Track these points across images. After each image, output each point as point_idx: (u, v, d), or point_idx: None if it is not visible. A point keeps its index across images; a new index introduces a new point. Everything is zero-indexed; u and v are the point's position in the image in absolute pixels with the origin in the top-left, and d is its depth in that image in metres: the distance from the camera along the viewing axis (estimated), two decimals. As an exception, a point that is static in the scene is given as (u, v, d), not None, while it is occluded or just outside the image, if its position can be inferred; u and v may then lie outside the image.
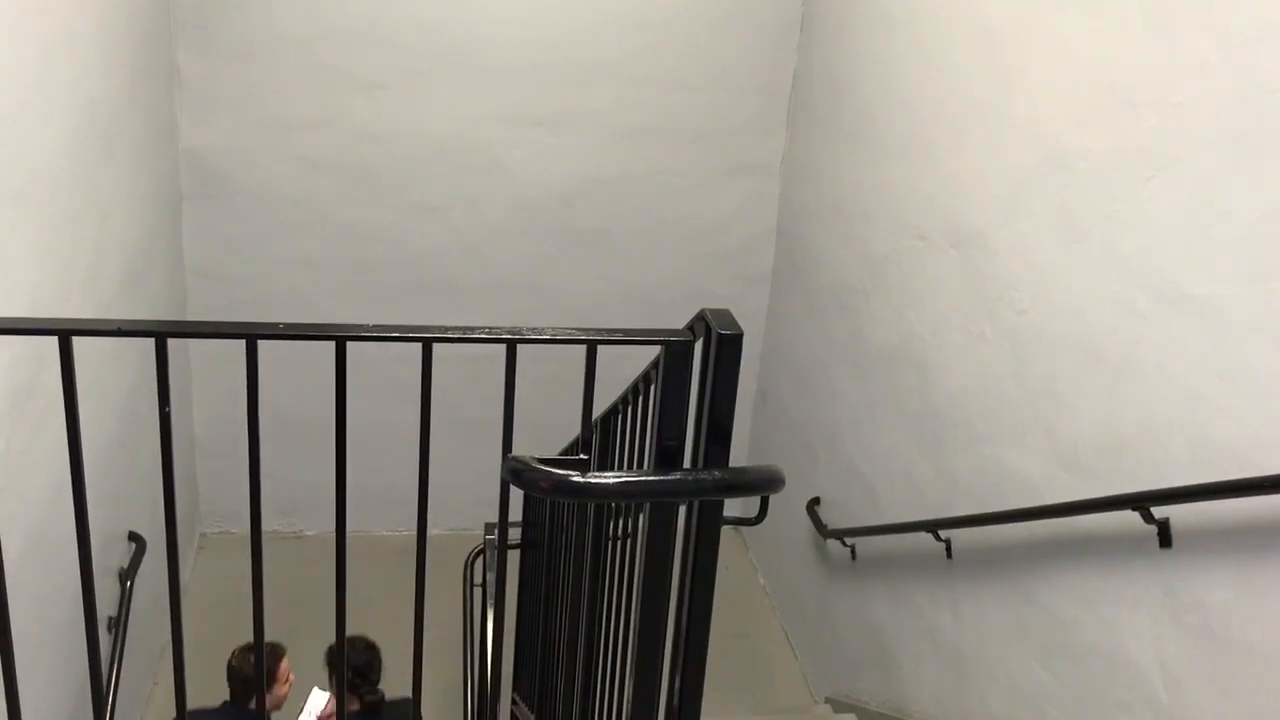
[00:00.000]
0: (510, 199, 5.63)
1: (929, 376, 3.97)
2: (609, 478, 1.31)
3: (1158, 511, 2.62)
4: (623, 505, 1.95)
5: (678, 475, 1.41)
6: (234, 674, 3.65)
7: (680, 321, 1.60)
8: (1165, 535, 2.61)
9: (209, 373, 5.46)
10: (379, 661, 3.70)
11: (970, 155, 3.69)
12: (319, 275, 5.59)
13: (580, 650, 1.99)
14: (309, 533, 5.95)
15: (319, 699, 3.64)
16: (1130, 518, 2.68)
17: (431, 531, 5.43)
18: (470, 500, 5.25)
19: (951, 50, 3.85)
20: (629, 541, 1.84)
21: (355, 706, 3.58)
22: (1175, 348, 2.61)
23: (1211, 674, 2.44)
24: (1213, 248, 2.49)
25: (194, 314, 5.48)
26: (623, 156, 5.63)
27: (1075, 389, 3.05)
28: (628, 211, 5.75)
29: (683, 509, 1.56)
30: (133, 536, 4.37)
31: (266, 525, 5.77)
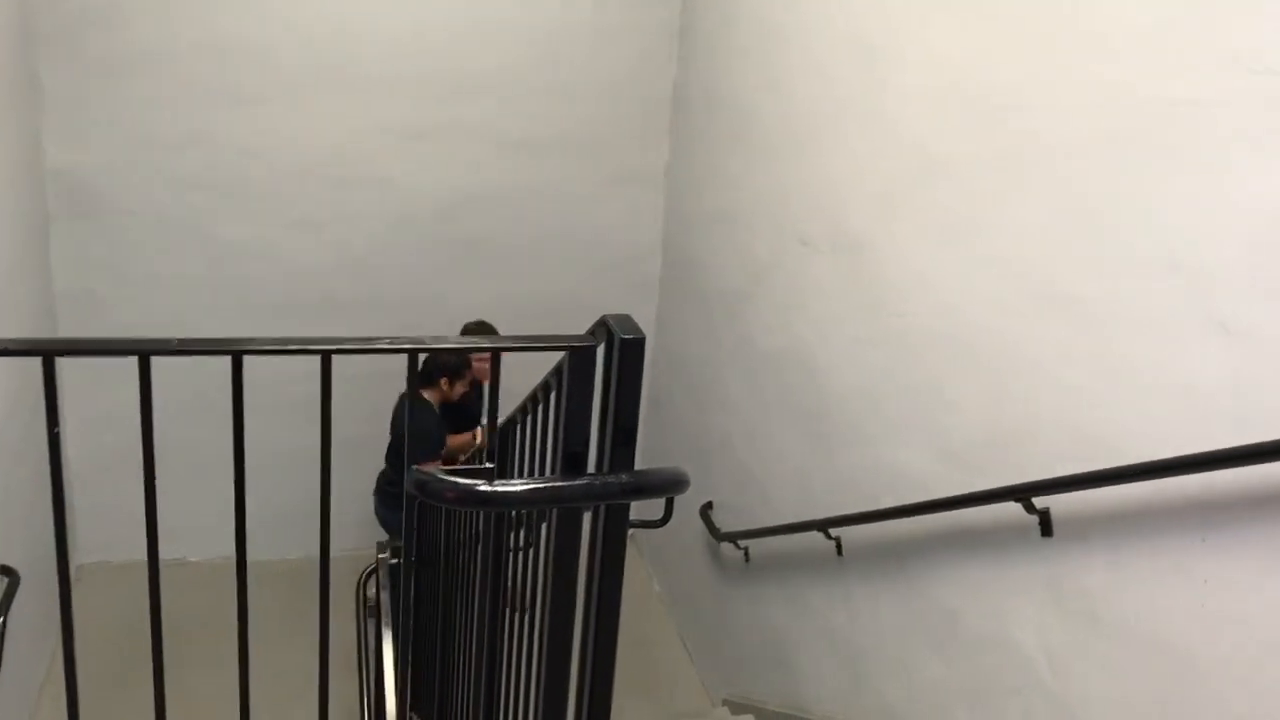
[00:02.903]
0: (393, 213, 5.56)
1: (817, 378, 4.05)
2: (516, 485, 1.31)
3: (1038, 502, 2.71)
4: (523, 515, 1.95)
5: (585, 480, 1.42)
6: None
7: (570, 332, 1.61)
8: (1046, 525, 2.71)
9: (80, 398, 5.25)
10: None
11: (849, 162, 3.78)
12: (197, 296, 5.43)
13: (484, 664, 1.97)
14: (193, 559, 5.76)
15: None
16: (1013, 509, 2.77)
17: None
18: (359, 520, 5.17)
19: (827, 60, 3.94)
20: (531, 550, 1.83)
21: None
22: (1049, 343, 2.72)
23: (1095, 656, 2.54)
24: (1078, 246, 2.60)
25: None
26: (506, 168, 5.61)
27: (957, 386, 3.15)
28: (513, 223, 5.73)
29: (587, 515, 1.56)
30: (4, 570, 4.17)
31: (143, 554, 5.53)
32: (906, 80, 3.40)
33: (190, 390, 4.83)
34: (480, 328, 4.98)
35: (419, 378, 4.70)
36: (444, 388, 4.85)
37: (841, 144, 3.84)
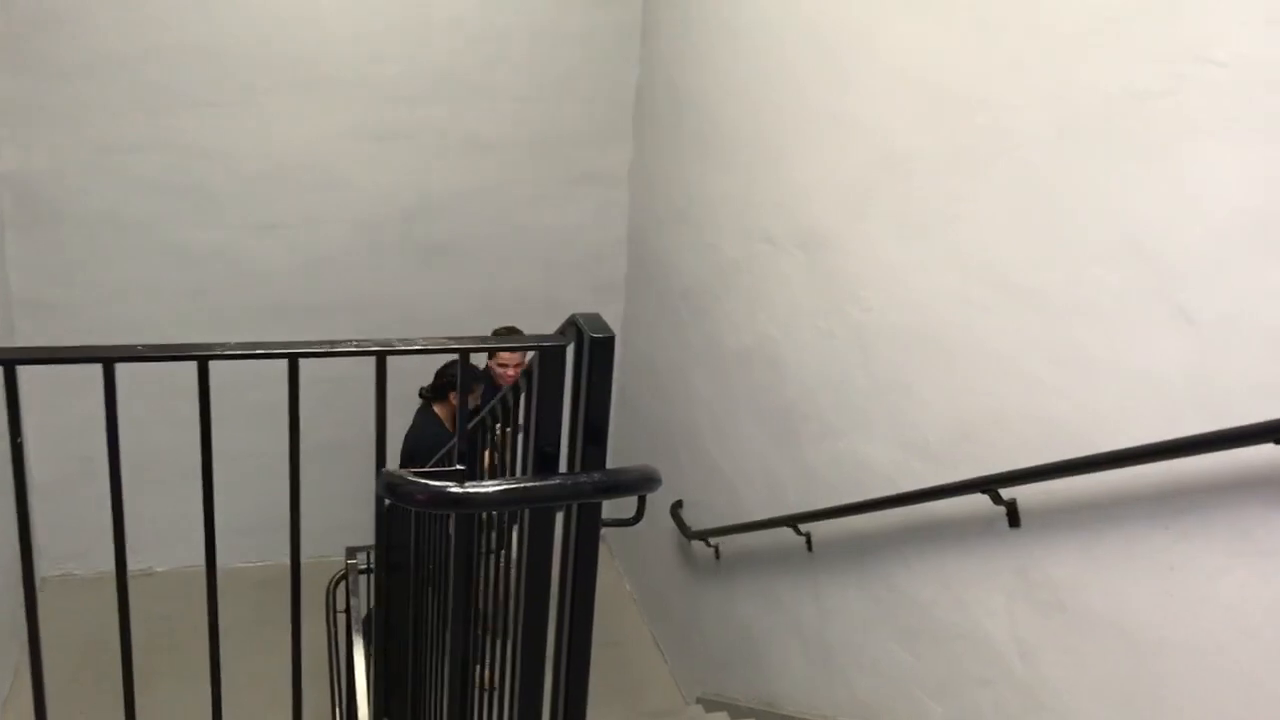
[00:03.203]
0: (354, 216, 5.52)
1: (783, 375, 4.06)
2: (489, 486, 1.30)
3: (1005, 493, 2.74)
4: (493, 517, 1.94)
5: (557, 480, 1.41)
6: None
7: (537, 333, 1.61)
8: (1014, 515, 2.73)
9: (40, 409, 5.17)
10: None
11: (813, 160, 3.80)
12: (156, 301, 5.37)
13: (458, 667, 1.96)
14: (159, 569, 5.70)
15: None
16: (980, 500, 2.80)
17: (287, 560, 5.25)
18: (329, 526, 5.13)
19: (790, 59, 3.96)
20: (503, 552, 1.82)
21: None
22: (1012, 336, 2.74)
23: (1064, 645, 2.57)
24: (1039, 239, 2.63)
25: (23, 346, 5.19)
26: (470, 169, 5.59)
27: (922, 380, 3.17)
28: (476, 224, 5.71)
29: (559, 515, 1.56)
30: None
31: (110, 565, 5.43)
32: (869, 77, 3.42)
33: (153, 398, 4.78)
34: (509, 333, 4.76)
35: (430, 391, 4.64)
36: (454, 403, 4.68)
37: (806, 142, 3.85)
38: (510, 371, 4.43)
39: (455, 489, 1.30)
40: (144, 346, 1.59)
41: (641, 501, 1.45)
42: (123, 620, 1.78)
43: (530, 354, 4.06)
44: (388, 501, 1.57)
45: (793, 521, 3.88)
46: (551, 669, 1.63)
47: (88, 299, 5.27)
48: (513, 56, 5.46)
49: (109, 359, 1.56)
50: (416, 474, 1.33)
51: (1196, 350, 2.15)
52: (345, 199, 5.47)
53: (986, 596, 2.89)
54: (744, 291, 4.42)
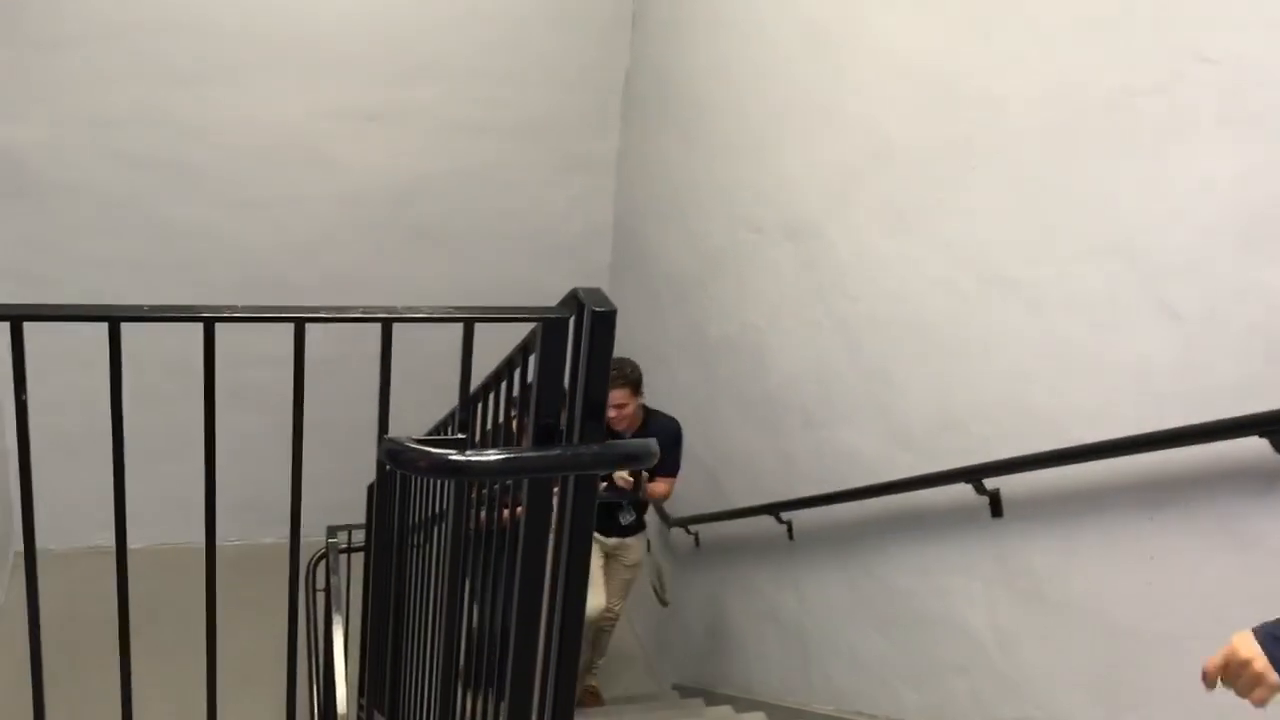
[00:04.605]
0: (341, 195, 5.51)
1: (767, 364, 4.08)
2: (490, 455, 1.31)
3: (989, 483, 2.77)
4: (484, 496, 1.95)
5: (557, 450, 1.42)
6: None
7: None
8: (996, 505, 2.76)
9: (8, 379, 5.12)
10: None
11: (802, 150, 3.82)
12: (141, 276, 5.33)
13: (453, 643, 1.97)
14: (136, 546, 5.66)
15: None
16: (963, 490, 2.83)
17: (267, 540, 5.25)
18: (309, 505, 5.10)
19: (782, 50, 3.97)
20: (498, 528, 1.83)
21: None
22: (998, 328, 2.77)
23: (1042, 633, 2.60)
24: (1028, 232, 2.65)
25: (2, 318, 5.15)
26: (457, 152, 5.58)
27: (907, 370, 3.20)
28: (463, 207, 5.71)
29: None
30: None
31: (88, 540, 5.42)
32: (859, 69, 3.44)
33: (125, 373, 4.74)
34: (619, 365, 3.99)
35: None
36: None
37: (795, 132, 3.87)
38: (610, 414, 3.79)
39: (456, 456, 1.31)
40: (150, 307, 1.58)
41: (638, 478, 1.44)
42: (121, 595, 1.78)
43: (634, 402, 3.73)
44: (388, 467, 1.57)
45: (774, 510, 3.90)
46: (543, 643, 1.64)
47: (71, 272, 5.23)
48: (503, 41, 5.45)
49: (115, 318, 1.56)
50: (418, 441, 1.34)
51: (1181, 345, 2.18)
52: (334, 179, 5.45)
53: (966, 585, 2.92)
54: (729, 280, 4.43)
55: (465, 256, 5.78)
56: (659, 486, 4.14)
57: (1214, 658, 1.43)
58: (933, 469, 2.97)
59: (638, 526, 4.51)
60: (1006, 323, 2.74)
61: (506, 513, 1.68)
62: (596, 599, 4.42)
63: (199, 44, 5.03)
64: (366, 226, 5.58)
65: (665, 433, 4.08)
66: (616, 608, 4.67)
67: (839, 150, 3.57)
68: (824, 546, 3.74)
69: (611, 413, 3.80)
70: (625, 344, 5.70)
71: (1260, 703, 1.39)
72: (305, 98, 5.26)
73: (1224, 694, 1.45)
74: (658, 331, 5.28)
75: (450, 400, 2.14)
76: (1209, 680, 1.45)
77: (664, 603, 4.84)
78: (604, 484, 3.96)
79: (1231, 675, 1.41)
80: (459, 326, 1.67)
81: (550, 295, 1.71)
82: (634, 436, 3.96)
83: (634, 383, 4.04)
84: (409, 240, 5.67)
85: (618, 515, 4.38)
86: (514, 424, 1.63)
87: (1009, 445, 2.69)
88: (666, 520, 4.99)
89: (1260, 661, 1.37)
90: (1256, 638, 1.40)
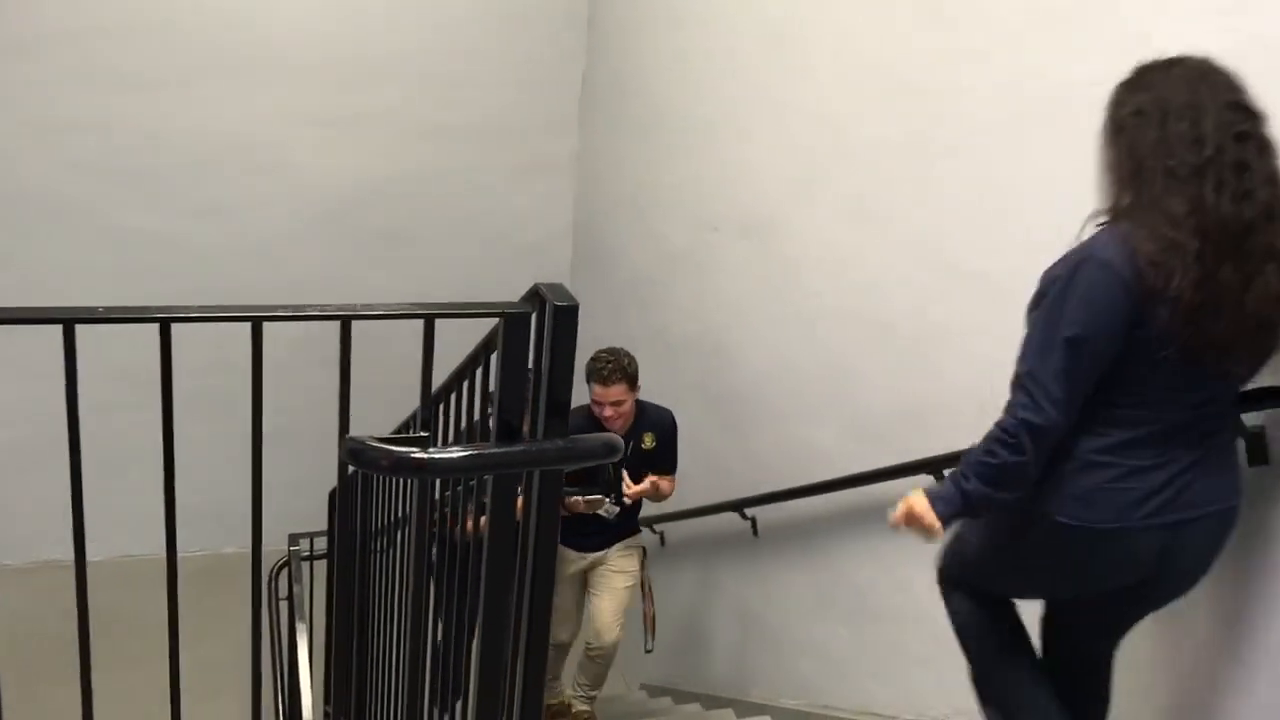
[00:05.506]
0: (300, 200, 5.46)
1: (730, 361, 4.09)
2: (454, 452, 1.30)
3: (949, 474, 2.77)
4: (447, 496, 1.94)
5: (520, 446, 1.42)
6: None
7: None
8: (958, 496, 2.77)
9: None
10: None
11: (762, 147, 3.83)
12: (96, 285, 5.23)
13: (418, 648, 1.96)
14: (95, 558, 5.57)
15: None
16: (926, 482, 2.84)
17: (227, 549, 5.17)
18: (271, 514, 5.04)
19: (738, 49, 3.98)
20: (460, 528, 1.82)
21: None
22: (960, 318, 2.79)
23: (1005, 621, 2.61)
24: (990, 223, 2.68)
25: (-51, 329, 5.05)
26: (415, 156, 5.56)
27: (869, 363, 3.21)
28: (423, 211, 5.68)
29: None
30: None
31: (44, 554, 5.32)
32: (818, 65, 3.45)
33: (83, 381, 4.67)
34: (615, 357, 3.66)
35: None
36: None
37: (754, 130, 3.88)
38: (608, 412, 3.53)
39: (419, 454, 1.30)
40: (104, 309, 1.56)
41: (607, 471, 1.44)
42: (81, 608, 1.74)
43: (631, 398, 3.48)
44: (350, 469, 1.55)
45: (738, 506, 3.91)
46: (510, 642, 1.63)
47: (21, 282, 5.13)
48: (459, 44, 5.43)
49: (70, 320, 1.53)
50: (380, 440, 1.33)
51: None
52: (291, 183, 5.41)
53: (928, 576, 2.92)
54: (690, 279, 4.44)
55: (426, 260, 5.76)
56: (664, 485, 3.73)
57: (897, 511, 1.98)
58: (894, 461, 2.98)
59: (629, 529, 3.88)
60: (967, 312, 2.76)
61: (470, 523, 1.66)
62: (566, 629, 3.92)
63: (153, 50, 4.99)
64: (324, 232, 5.55)
65: (663, 426, 3.73)
66: (607, 637, 3.85)
67: (799, 146, 3.58)
68: (788, 542, 3.75)
69: (609, 411, 3.51)
70: (589, 343, 5.69)
71: (931, 542, 2.01)
72: (262, 103, 5.22)
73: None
74: (620, 332, 5.26)
75: (417, 403, 2.12)
76: (893, 526, 2.01)
77: (647, 650, 4.12)
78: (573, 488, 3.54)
79: (911, 523, 1.95)
80: (424, 328, 1.66)
81: (513, 297, 1.69)
82: (629, 432, 3.62)
83: (631, 377, 3.59)
84: (367, 244, 5.64)
85: (596, 519, 3.63)
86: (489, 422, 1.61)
87: (969, 436, 2.69)
88: (632, 520, 4.97)
89: (929, 516, 1.92)
90: (927, 497, 1.95)
